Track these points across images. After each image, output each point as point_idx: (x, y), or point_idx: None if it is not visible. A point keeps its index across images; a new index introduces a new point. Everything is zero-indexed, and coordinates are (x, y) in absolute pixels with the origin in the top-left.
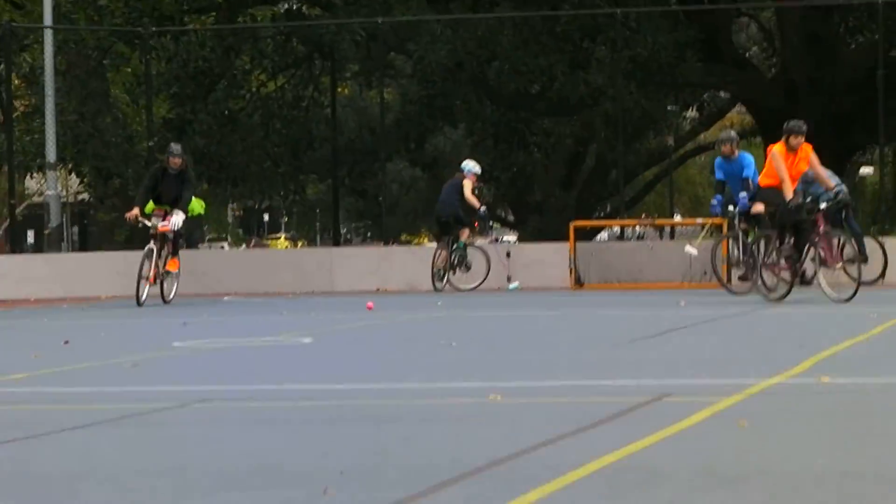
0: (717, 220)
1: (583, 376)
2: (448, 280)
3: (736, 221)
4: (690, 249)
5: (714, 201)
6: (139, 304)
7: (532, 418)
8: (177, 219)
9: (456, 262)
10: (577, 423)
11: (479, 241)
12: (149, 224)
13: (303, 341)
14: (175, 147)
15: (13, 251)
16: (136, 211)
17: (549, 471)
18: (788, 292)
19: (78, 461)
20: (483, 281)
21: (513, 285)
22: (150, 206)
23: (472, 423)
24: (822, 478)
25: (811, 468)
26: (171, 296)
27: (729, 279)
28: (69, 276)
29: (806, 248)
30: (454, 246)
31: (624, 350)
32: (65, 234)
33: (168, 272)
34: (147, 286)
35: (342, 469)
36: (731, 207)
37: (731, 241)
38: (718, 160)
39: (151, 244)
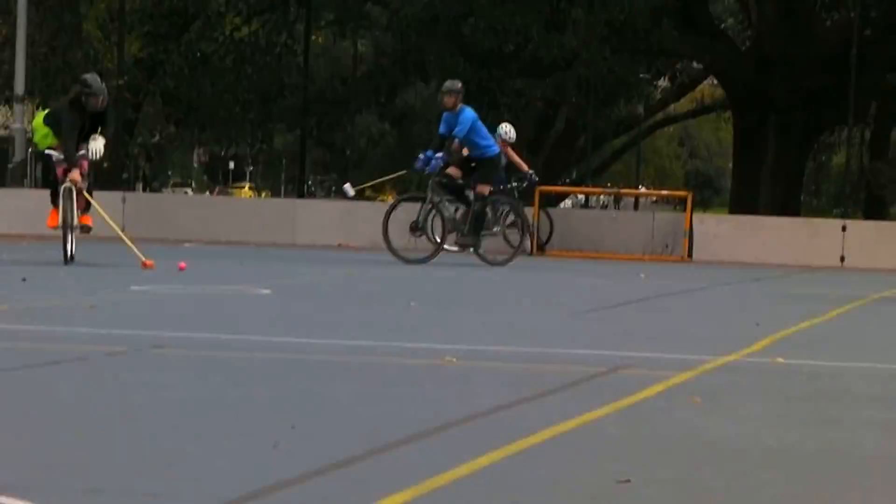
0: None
1: (539, 343)
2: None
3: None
4: (348, 189)
5: (420, 156)
6: (68, 261)
7: (486, 383)
8: (95, 145)
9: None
10: (531, 391)
11: None
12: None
13: (261, 292)
14: (96, 83)
15: None
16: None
17: (503, 436)
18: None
19: (31, 400)
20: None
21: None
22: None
23: (426, 385)
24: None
25: (761, 445)
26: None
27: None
28: (31, 212)
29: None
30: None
31: (582, 319)
32: (28, 169)
33: (85, 226)
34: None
35: (293, 423)
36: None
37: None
38: (445, 113)
39: (68, 183)
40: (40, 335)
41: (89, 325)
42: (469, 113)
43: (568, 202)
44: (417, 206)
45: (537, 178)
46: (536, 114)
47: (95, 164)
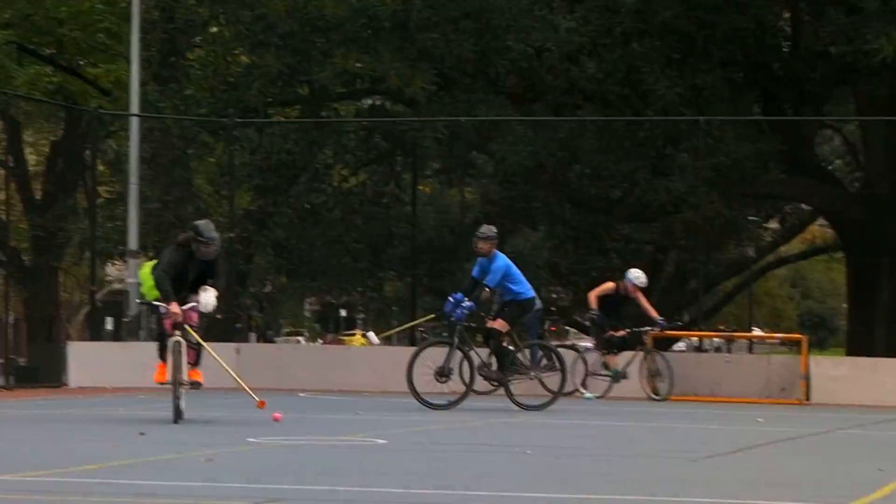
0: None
1: (657, 492)
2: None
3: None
4: (373, 337)
5: (450, 297)
6: (177, 419)
7: None
8: (207, 297)
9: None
10: None
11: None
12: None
13: (377, 442)
14: (208, 231)
15: (92, 338)
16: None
17: None
18: None
19: None
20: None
21: (588, 396)
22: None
23: None
24: None
25: None
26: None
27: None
28: (146, 364)
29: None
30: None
31: (700, 466)
32: (142, 322)
33: (195, 382)
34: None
35: None
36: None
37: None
38: (480, 258)
39: (177, 337)
40: (158, 490)
41: (207, 479)
42: (501, 261)
43: (681, 344)
44: (444, 350)
45: (668, 323)
46: (646, 258)
47: (208, 316)
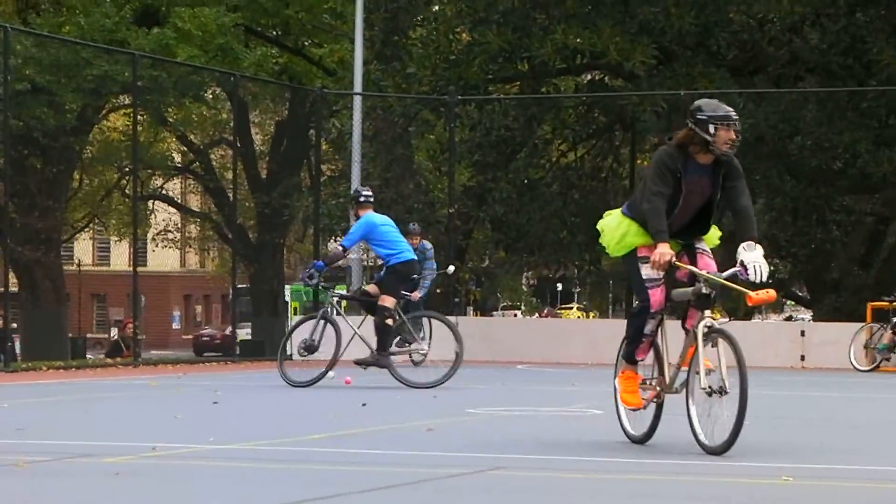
0: None
1: (886, 462)
2: None
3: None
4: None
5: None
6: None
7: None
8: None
9: None
10: None
11: None
12: None
13: (593, 412)
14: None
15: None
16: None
17: None
18: None
19: None
20: None
21: None
22: None
23: None
24: None
25: None
26: None
27: None
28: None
29: None
30: None
31: None
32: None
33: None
34: None
35: None
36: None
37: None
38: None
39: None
40: (380, 458)
41: (427, 449)
42: (361, 220)
43: None
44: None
45: None
46: (866, 229)
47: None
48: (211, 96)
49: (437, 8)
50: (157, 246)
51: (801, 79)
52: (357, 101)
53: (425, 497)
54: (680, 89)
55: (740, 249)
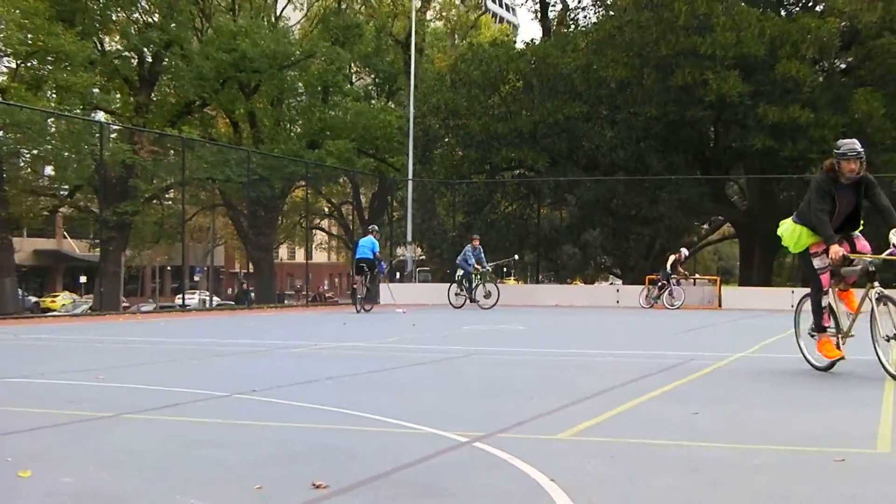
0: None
1: None
2: None
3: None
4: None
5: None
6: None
7: None
8: None
9: None
10: None
11: None
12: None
13: (517, 328)
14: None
15: (391, 281)
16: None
17: None
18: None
19: (410, 381)
20: None
21: None
22: None
23: None
24: None
25: None
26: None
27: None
28: (417, 293)
29: None
30: None
31: None
32: (414, 277)
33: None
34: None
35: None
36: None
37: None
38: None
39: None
40: (422, 350)
41: (444, 343)
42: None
43: None
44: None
45: None
46: None
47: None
48: (342, 181)
49: (446, 140)
50: (316, 251)
51: (616, 170)
52: (410, 183)
53: (438, 367)
54: (560, 177)
55: (891, 235)
